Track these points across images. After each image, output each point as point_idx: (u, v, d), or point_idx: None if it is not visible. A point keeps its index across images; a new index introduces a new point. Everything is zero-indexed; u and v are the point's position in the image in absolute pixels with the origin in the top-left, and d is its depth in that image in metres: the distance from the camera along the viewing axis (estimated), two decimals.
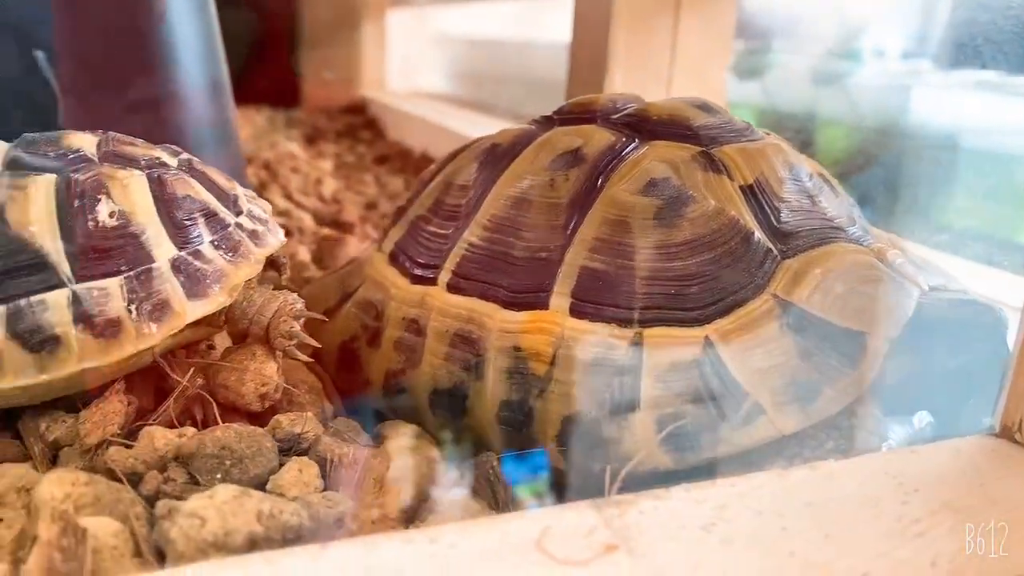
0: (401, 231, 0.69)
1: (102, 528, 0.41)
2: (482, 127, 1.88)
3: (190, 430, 0.52)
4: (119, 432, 0.51)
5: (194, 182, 0.57)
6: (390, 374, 0.62)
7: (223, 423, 0.53)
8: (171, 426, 0.53)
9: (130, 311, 0.50)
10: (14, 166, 0.52)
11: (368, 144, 2.10)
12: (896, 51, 1.86)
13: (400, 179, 1.68)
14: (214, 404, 0.54)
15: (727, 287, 0.53)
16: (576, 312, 0.55)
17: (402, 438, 0.58)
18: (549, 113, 0.70)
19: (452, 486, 0.53)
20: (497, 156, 0.66)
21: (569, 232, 0.58)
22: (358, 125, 2.32)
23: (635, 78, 1.24)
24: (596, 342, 0.53)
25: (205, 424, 0.54)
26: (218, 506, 0.41)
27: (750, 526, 0.39)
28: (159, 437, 0.51)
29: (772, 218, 0.56)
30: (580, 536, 0.38)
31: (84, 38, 0.85)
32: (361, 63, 2.68)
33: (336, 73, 2.64)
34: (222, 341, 0.63)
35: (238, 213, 0.58)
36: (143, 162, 0.56)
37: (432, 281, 0.62)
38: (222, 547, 0.40)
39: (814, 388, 0.49)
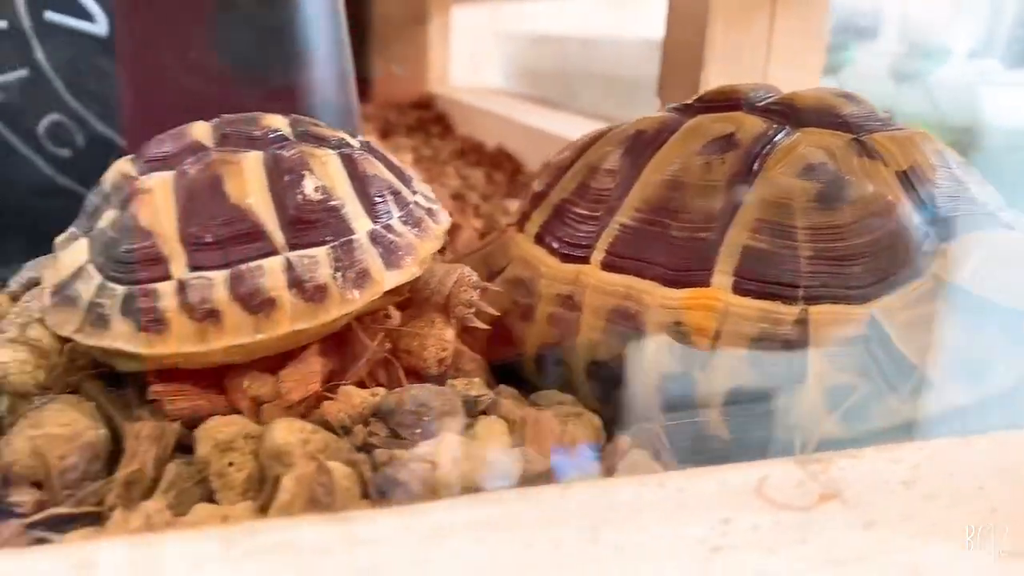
0: (545, 214, 0.72)
1: (337, 470, 0.45)
2: (556, 122, 1.92)
3: (380, 390, 0.56)
4: (319, 390, 0.55)
5: (378, 162, 0.61)
6: (544, 347, 0.66)
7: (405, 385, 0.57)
8: (361, 386, 0.57)
9: (335, 278, 0.54)
10: (224, 143, 0.57)
11: (440, 138, 2.15)
12: (966, 50, 1.86)
13: (479, 172, 1.71)
14: (399, 367, 0.58)
15: (889, 267, 0.56)
16: (739, 289, 0.58)
17: (563, 405, 0.61)
18: (681, 103, 0.73)
19: (622, 448, 0.56)
20: (643, 142, 0.69)
21: (728, 214, 0.60)
22: (428, 120, 2.37)
23: (730, 75, 1.26)
24: (761, 318, 0.56)
25: (391, 385, 0.58)
26: (446, 452, 0.44)
27: (948, 485, 0.42)
28: (355, 395, 0.55)
29: (928, 203, 0.58)
30: (792, 487, 0.41)
31: (232, 32, 0.90)
32: (427, 59, 2.73)
33: (403, 69, 2.69)
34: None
35: (414, 192, 0.62)
36: (332, 142, 0.60)
37: (585, 260, 0.65)
38: (456, 488, 0.43)
39: (983, 364, 0.52)
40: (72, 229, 0.59)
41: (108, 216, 0.55)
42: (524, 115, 2.04)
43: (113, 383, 0.58)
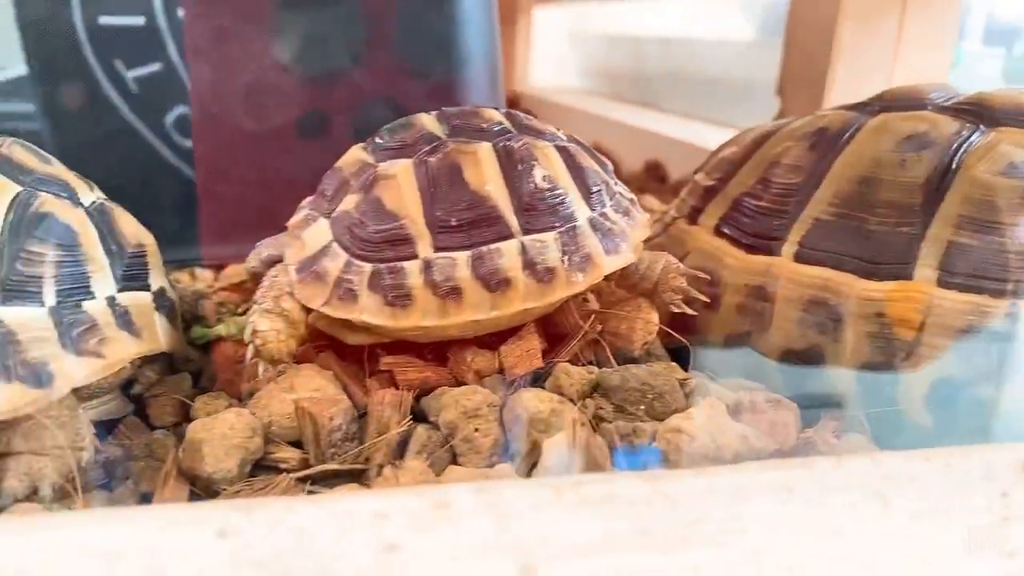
0: (723, 207, 0.75)
1: (592, 437, 0.49)
2: (650, 120, 1.93)
3: (594, 368, 0.59)
4: (541, 366, 0.59)
5: (587, 155, 0.64)
6: (731, 335, 0.68)
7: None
8: (574, 364, 0.60)
9: (563, 261, 0.58)
10: (455, 134, 0.61)
11: None
12: None
13: None
14: (607, 347, 0.62)
15: None
16: (944, 283, 0.59)
17: (755, 392, 0.64)
18: (861, 101, 0.75)
19: (831, 430, 0.58)
20: (828, 139, 0.71)
21: (927, 210, 0.62)
22: None
23: (857, 75, 1.27)
24: (968, 311, 0.58)
25: (599, 364, 0.61)
26: (703, 426, 0.47)
27: None
28: (573, 372, 0.58)
29: None
30: None
31: (404, 31, 0.95)
32: (511, 59, 2.77)
33: None
34: None
35: (615, 183, 0.65)
36: (547, 135, 0.63)
37: (774, 252, 0.68)
38: (714, 459, 0.46)
39: None
40: (306, 211, 0.63)
41: (351, 200, 0.59)
42: (614, 113, 2.06)
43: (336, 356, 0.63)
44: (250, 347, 0.57)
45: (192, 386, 0.64)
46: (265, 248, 0.65)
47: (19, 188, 0.53)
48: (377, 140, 0.63)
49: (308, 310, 0.59)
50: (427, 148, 0.60)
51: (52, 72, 1.26)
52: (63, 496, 0.50)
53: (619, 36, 2.79)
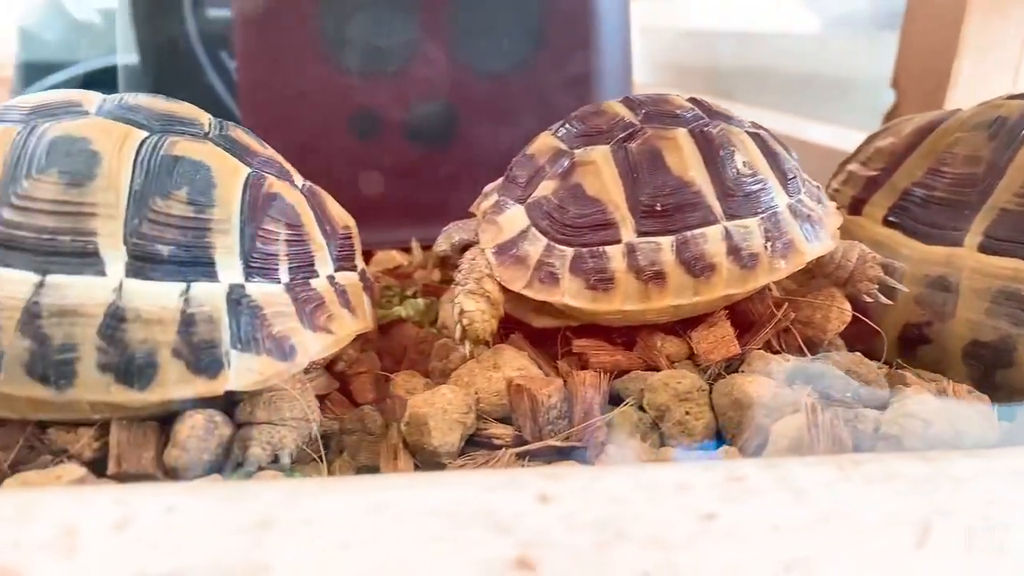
0: (891, 198, 0.74)
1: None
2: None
3: (788, 356, 0.59)
4: (738, 352, 0.59)
5: (776, 141, 0.64)
6: (909, 326, 0.68)
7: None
8: (766, 350, 0.60)
9: (766, 247, 0.58)
10: (649, 120, 0.61)
11: None
12: None
13: None
14: (797, 336, 0.62)
15: None
16: None
17: (938, 383, 0.63)
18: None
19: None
20: (1009, 128, 0.69)
21: None
22: None
23: (981, 68, 1.24)
24: None
25: (790, 352, 0.61)
26: (938, 411, 0.47)
27: None
28: (770, 359, 0.58)
29: None
30: None
31: (546, 21, 0.96)
32: None
33: None
34: None
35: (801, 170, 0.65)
36: (736, 120, 0.64)
37: (956, 243, 0.67)
38: (952, 445, 0.46)
39: None
40: (496, 197, 0.64)
41: (548, 185, 0.61)
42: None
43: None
44: (457, 327, 0.58)
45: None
46: (456, 232, 0.66)
47: (249, 170, 0.55)
48: (567, 127, 0.64)
49: (506, 292, 0.60)
50: (623, 134, 0.61)
51: (161, 61, 1.30)
52: (295, 463, 0.52)
53: (692, 31, 2.77)
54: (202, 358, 0.49)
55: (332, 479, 0.48)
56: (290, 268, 0.54)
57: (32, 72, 1.83)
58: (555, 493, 0.34)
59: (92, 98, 0.55)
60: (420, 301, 0.73)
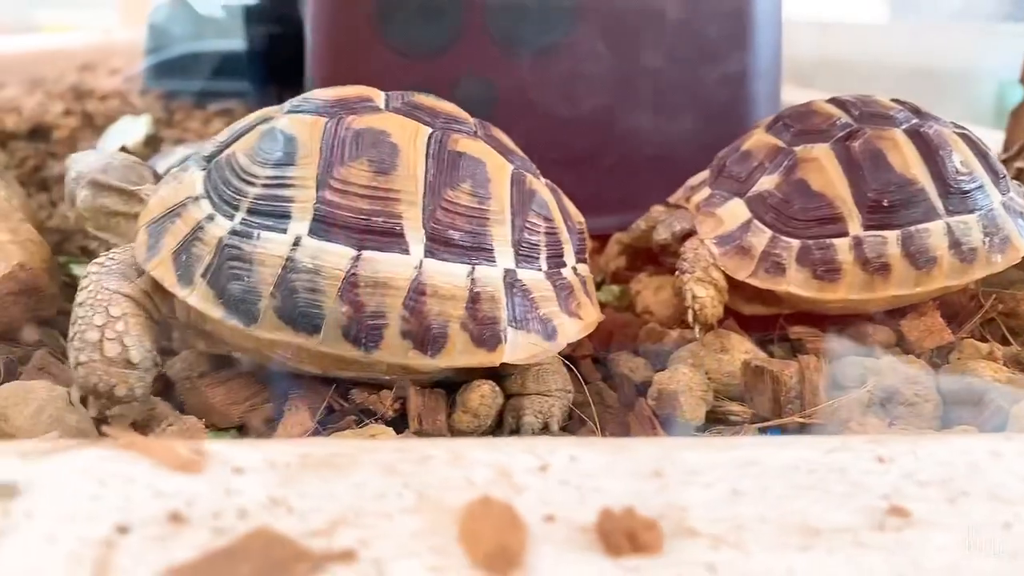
0: None
1: None
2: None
3: (998, 346, 0.63)
4: (951, 341, 0.63)
5: (980, 142, 0.68)
6: None
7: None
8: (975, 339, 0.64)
9: (984, 243, 0.62)
10: (864, 120, 0.65)
11: None
12: None
13: None
14: (1001, 325, 0.65)
15: None
16: None
17: None
18: None
19: None
20: None
21: None
22: None
23: None
24: None
25: (995, 340, 0.65)
26: None
27: None
28: (982, 348, 0.62)
29: None
30: None
31: (698, 19, 1.00)
32: None
33: None
34: None
35: None
36: (941, 121, 0.67)
37: None
38: None
39: None
40: (709, 191, 0.69)
41: (770, 180, 0.65)
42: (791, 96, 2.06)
43: None
44: (689, 312, 0.63)
45: None
46: (676, 222, 0.71)
47: (512, 166, 0.60)
48: (782, 125, 0.68)
49: (728, 280, 0.65)
50: (842, 134, 0.65)
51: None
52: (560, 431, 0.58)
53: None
54: (484, 332, 0.54)
55: (692, 439, 0.53)
56: (548, 257, 0.59)
57: (159, 64, 1.92)
58: (888, 455, 0.39)
59: (378, 94, 0.61)
60: (615, 288, 0.78)
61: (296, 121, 0.57)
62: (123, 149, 1.33)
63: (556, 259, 0.61)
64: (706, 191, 0.69)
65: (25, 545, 0.30)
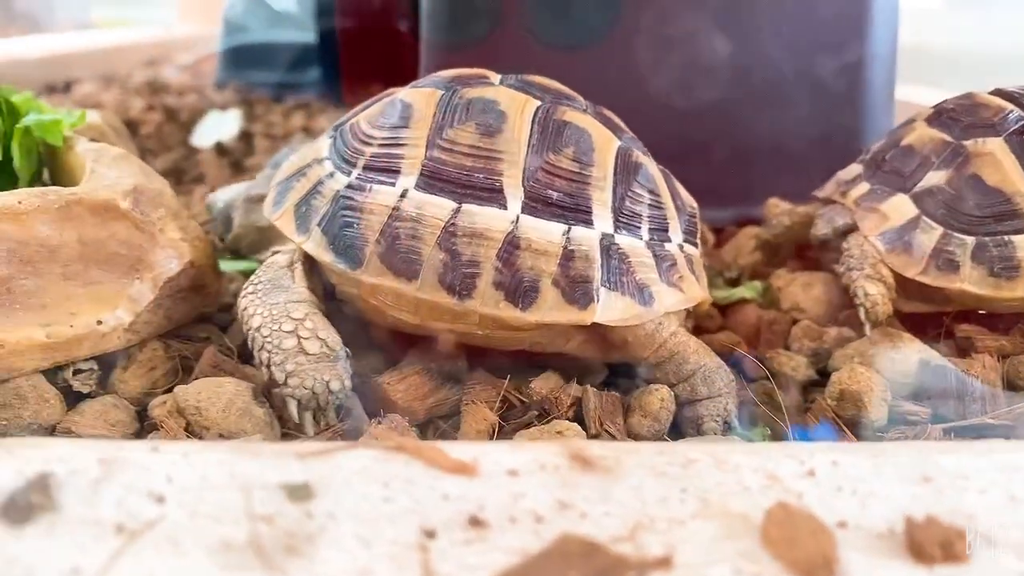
0: None
1: None
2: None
3: None
4: None
5: None
6: None
7: None
8: None
9: None
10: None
11: None
12: None
13: None
14: None
15: None
16: None
17: None
18: None
19: None
20: None
21: None
22: None
23: None
24: None
25: None
26: None
27: None
28: None
29: None
30: None
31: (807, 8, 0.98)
32: None
33: None
34: None
35: None
36: None
37: None
38: None
39: None
40: (868, 185, 0.68)
41: (938, 176, 0.64)
42: None
43: None
44: (860, 309, 0.62)
45: None
46: (838, 217, 0.70)
47: (619, 141, 0.60)
48: (948, 118, 0.66)
49: (901, 279, 0.63)
50: (1016, 127, 0.63)
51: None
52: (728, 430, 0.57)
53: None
54: (576, 290, 0.54)
55: (947, 443, 0.52)
56: (650, 229, 0.59)
57: (233, 56, 1.94)
58: None
59: (494, 74, 0.63)
60: (757, 283, 0.77)
61: (415, 92, 0.60)
62: (219, 145, 1.34)
63: (660, 231, 0.60)
64: (864, 186, 0.68)
65: (340, 546, 0.30)
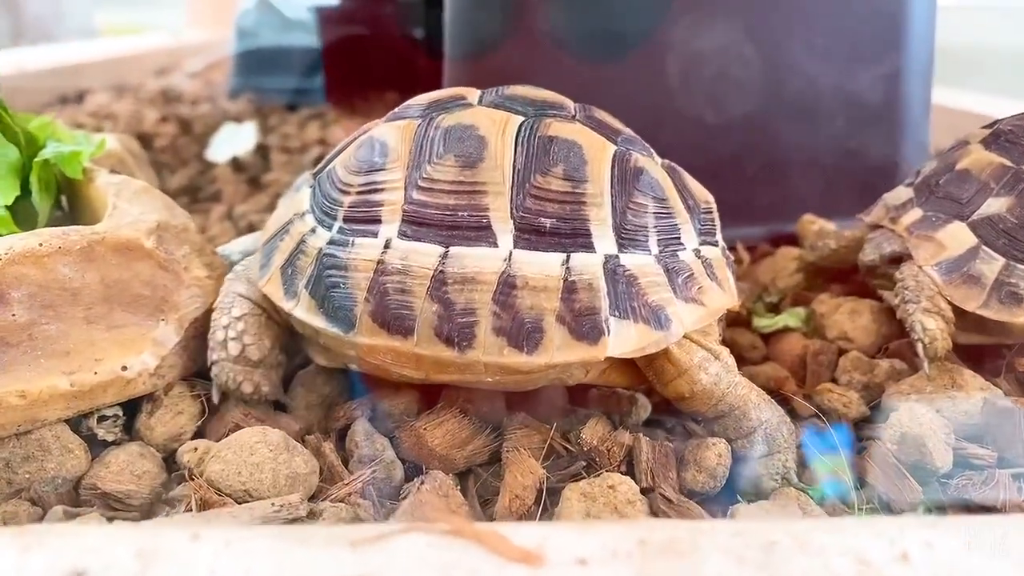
0: None
1: None
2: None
3: None
4: None
5: None
6: None
7: None
8: None
9: None
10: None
11: None
12: None
13: None
14: None
15: None
16: None
17: None
18: None
19: None
20: None
21: None
22: None
23: None
24: None
25: None
26: None
27: None
28: None
29: None
30: None
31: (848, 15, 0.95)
32: None
33: None
34: None
35: None
36: None
37: None
38: None
39: None
40: (921, 212, 0.65)
41: (999, 203, 0.60)
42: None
43: None
44: (919, 345, 0.59)
45: None
46: (886, 243, 0.67)
47: (615, 146, 0.56)
48: (1006, 141, 0.63)
49: (956, 310, 0.60)
50: None
51: None
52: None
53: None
54: (583, 324, 0.50)
55: None
56: (659, 240, 0.55)
57: (246, 64, 1.92)
58: None
59: (473, 92, 0.59)
60: (800, 310, 0.74)
61: (389, 128, 0.57)
62: (235, 160, 1.32)
63: (670, 241, 0.56)
64: (917, 212, 0.65)
65: None
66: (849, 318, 0.70)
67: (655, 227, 0.55)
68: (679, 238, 0.56)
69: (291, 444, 0.52)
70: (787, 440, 0.54)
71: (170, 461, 0.56)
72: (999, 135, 0.64)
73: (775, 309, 0.77)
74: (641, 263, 0.53)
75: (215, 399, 0.58)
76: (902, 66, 0.97)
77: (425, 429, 0.54)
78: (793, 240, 0.91)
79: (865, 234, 0.71)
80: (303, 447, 0.53)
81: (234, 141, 1.38)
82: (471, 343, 0.50)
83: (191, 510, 0.49)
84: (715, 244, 0.60)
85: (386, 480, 0.54)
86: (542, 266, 0.51)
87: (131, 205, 0.60)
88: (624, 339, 0.51)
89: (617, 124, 0.60)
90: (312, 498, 0.52)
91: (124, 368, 0.55)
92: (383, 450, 0.55)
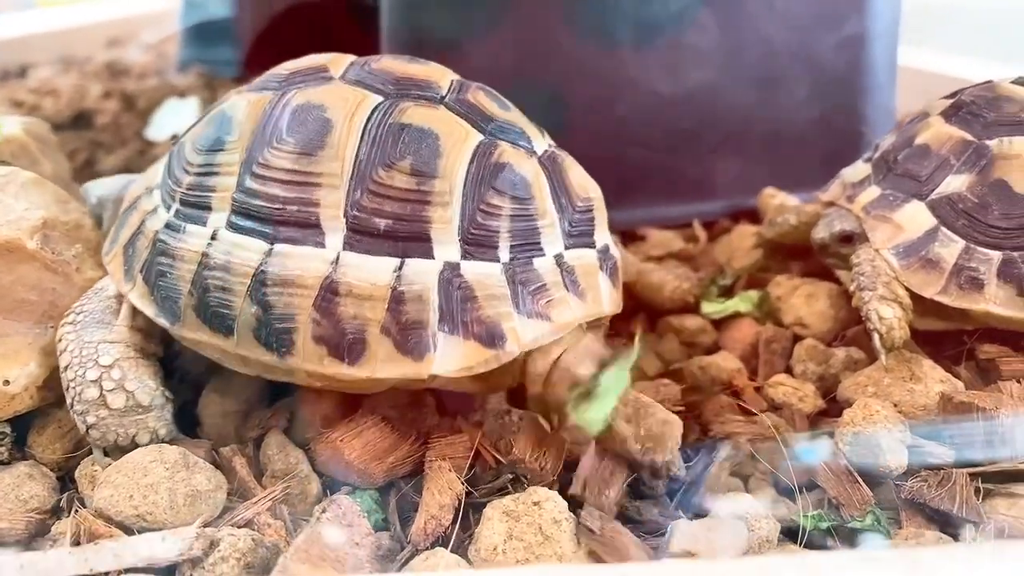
0: None
1: None
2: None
3: None
4: None
5: None
6: None
7: None
8: None
9: None
10: None
11: None
12: None
13: None
14: None
15: None
16: None
17: None
18: None
19: None
20: None
21: None
22: None
23: None
24: None
25: None
26: None
27: None
28: None
29: None
30: None
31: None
32: None
33: None
34: None
35: None
36: None
37: None
38: None
39: None
40: (879, 190, 0.60)
41: (958, 181, 0.56)
42: None
43: None
44: (874, 335, 0.55)
45: None
46: (838, 222, 0.62)
47: (481, 136, 0.50)
48: (967, 113, 0.59)
49: (915, 295, 0.56)
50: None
51: None
52: None
53: None
54: (409, 338, 0.46)
55: None
56: (512, 246, 0.49)
57: (195, 32, 1.84)
58: None
59: (341, 62, 0.54)
60: (752, 293, 0.70)
61: (239, 101, 0.52)
62: (173, 138, 1.25)
63: (526, 247, 0.50)
64: (874, 190, 0.61)
65: None
66: (805, 302, 0.66)
67: (509, 231, 0.49)
68: (538, 243, 0.51)
69: (191, 460, 0.48)
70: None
71: (65, 480, 0.51)
72: (960, 107, 0.60)
73: (729, 293, 0.73)
74: (483, 272, 0.48)
75: (101, 465, 0.49)
76: (866, 27, 0.92)
77: (342, 440, 0.50)
78: (755, 216, 0.86)
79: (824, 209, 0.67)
80: (205, 463, 0.49)
81: (176, 118, 1.32)
82: (290, 349, 0.47)
83: (78, 542, 0.44)
84: (591, 246, 0.54)
85: (300, 496, 0.50)
86: (371, 272, 0.47)
87: (16, 200, 0.55)
88: (451, 356, 0.47)
89: (494, 107, 0.53)
90: (222, 515, 0.48)
91: (6, 383, 0.50)
92: (297, 464, 0.51)
